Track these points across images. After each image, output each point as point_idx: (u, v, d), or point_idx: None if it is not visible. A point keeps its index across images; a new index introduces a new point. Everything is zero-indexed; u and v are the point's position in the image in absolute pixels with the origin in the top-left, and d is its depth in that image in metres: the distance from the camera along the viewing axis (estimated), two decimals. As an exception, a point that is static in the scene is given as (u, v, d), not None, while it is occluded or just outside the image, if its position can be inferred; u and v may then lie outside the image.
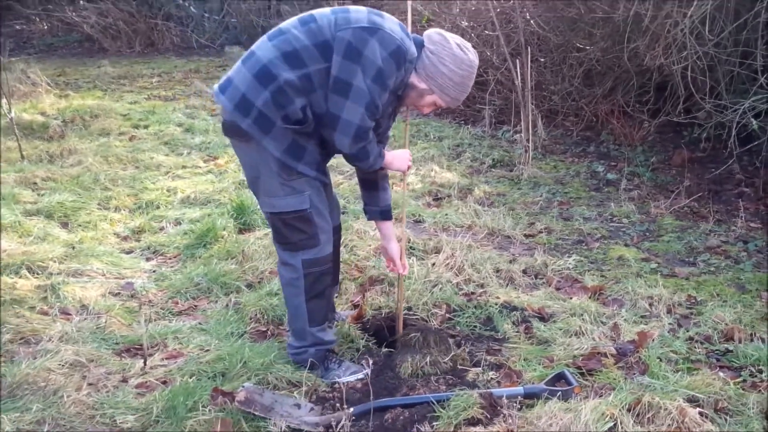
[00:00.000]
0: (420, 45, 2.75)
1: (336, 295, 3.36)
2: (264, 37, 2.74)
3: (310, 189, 2.76)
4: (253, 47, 2.73)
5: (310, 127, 2.69)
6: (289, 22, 2.72)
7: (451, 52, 2.71)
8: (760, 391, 2.87)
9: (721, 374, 2.97)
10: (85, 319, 3.42)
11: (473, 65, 2.76)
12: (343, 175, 5.53)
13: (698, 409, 2.65)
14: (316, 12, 2.72)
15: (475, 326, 3.38)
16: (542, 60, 6.67)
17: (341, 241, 3.33)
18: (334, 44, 2.59)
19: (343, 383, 2.91)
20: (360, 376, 2.97)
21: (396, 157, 2.96)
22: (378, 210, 3.07)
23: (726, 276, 3.95)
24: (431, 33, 2.78)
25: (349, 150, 2.71)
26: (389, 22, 2.68)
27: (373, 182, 3.03)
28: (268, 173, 2.71)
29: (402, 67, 2.66)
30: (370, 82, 2.58)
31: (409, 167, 3.05)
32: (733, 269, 4.05)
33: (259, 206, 3.03)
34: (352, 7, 2.72)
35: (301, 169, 2.72)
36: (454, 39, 2.74)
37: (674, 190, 5.13)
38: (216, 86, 2.78)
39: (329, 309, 3.04)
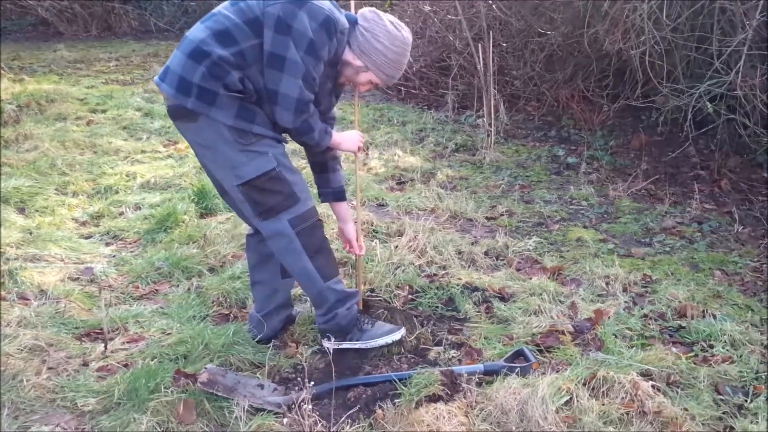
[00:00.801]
0: (354, 23, 2.76)
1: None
2: (197, 23, 2.72)
3: (271, 148, 2.72)
4: (186, 33, 2.72)
5: (252, 98, 2.67)
6: (221, 5, 2.71)
7: (385, 29, 2.73)
8: (710, 365, 2.97)
9: (673, 349, 3.06)
10: (44, 303, 3.38)
11: (407, 42, 2.79)
12: (305, 160, 5.53)
13: (651, 382, 2.74)
14: None
15: (437, 307, 3.43)
16: (504, 45, 6.71)
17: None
18: (264, 20, 2.58)
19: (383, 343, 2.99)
20: (397, 336, 3.01)
21: (345, 137, 2.94)
22: (331, 191, 3.06)
23: (681, 256, 4.06)
24: (364, 11, 2.79)
25: (292, 124, 2.69)
26: None
27: (323, 164, 3.02)
28: (225, 144, 2.67)
29: (333, 37, 2.65)
30: (303, 53, 2.58)
31: (359, 148, 3.02)
32: (688, 249, 4.16)
33: (220, 193, 3.01)
34: None
35: (257, 130, 2.68)
36: (387, 17, 2.77)
37: (632, 173, 5.24)
38: (156, 77, 2.75)
39: (335, 260, 3.00)
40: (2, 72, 7.87)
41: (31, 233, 4.11)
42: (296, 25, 2.57)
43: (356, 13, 2.84)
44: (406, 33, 2.79)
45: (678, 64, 5.16)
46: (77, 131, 6.29)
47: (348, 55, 2.78)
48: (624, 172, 5.37)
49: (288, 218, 2.77)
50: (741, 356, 3.01)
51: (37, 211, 4.52)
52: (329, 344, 2.75)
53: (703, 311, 3.37)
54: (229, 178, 2.75)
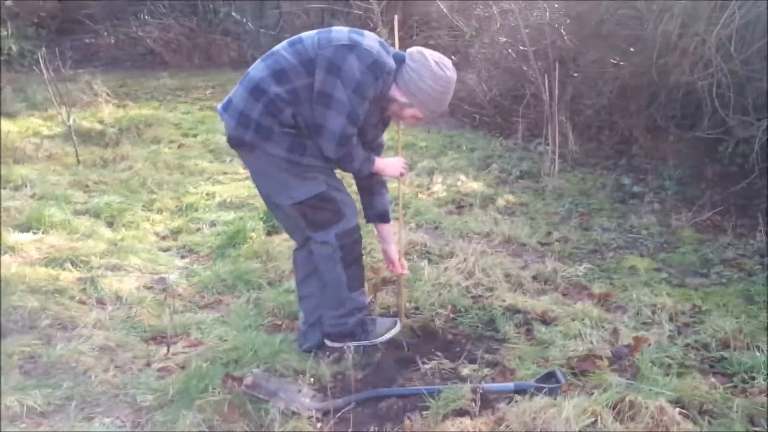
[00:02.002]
0: (401, 60, 2.98)
1: None
2: (258, 60, 3.03)
3: (321, 174, 3.01)
4: (249, 69, 3.03)
5: (303, 132, 2.95)
6: (280, 45, 3.01)
7: (430, 69, 2.93)
8: (747, 396, 2.95)
9: (712, 379, 3.05)
10: (119, 308, 3.73)
11: (451, 81, 2.98)
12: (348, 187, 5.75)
13: (678, 409, 2.75)
14: (303, 34, 3.00)
15: (477, 326, 3.54)
16: (575, 75, 6.75)
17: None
18: (317, 61, 2.85)
19: (380, 344, 3.28)
20: (395, 330, 3.33)
21: (388, 163, 3.18)
22: (375, 213, 3.30)
23: (736, 288, 4.00)
24: (412, 51, 3.00)
25: (335, 155, 2.95)
26: (368, 39, 2.93)
27: (369, 188, 3.27)
28: (279, 171, 2.97)
29: (380, 78, 2.89)
30: (350, 93, 2.83)
31: (402, 174, 3.24)
32: (745, 281, 4.09)
33: (271, 211, 3.31)
34: (335, 28, 2.99)
35: (307, 162, 2.96)
36: (432, 57, 2.96)
37: (698, 204, 5.16)
38: (219, 106, 3.07)
39: (364, 275, 3.31)
40: (107, 98, 8.54)
41: (115, 245, 4.51)
42: (345, 67, 2.83)
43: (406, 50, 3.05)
44: (450, 72, 2.98)
45: (748, 96, 5.07)
46: (169, 153, 6.78)
47: (395, 92, 3.00)
48: (690, 202, 5.30)
49: (335, 232, 3.06)
50: (782, 389, 2.97)
51: (123, 225, 4.94)
52: (331, 344, 3.18)
53: (748, 343, 3.33)
54: (284, 198, 3.06)
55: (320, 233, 3.09)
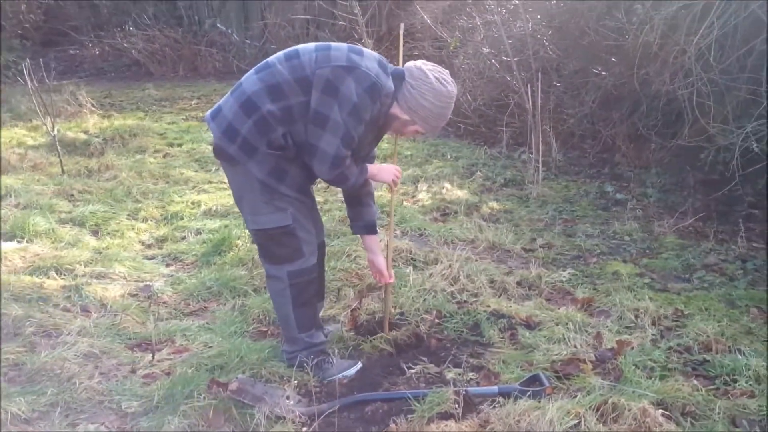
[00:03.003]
0: (401, 77, 2.94)
1: (321, 309, 3.58)
2: (252, 71, 2.98)
3: (291, 207, 2.98)
4: (241, 79, 2.99)
5: (291, 153, 2.92)
6: (275, 57, 2.96)
7: (431, 86, 2.90)
8: (729, 397, 2.99)
9: (694, 382, 3.08)
10: (104, 316, 3.72)
11: (451, 96, 2.96)
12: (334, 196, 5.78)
13: (661, 410, 2.79)
14: (300, 47, 2.95)
15: (462, 331, 3.56)
16: (558, 85, 6.83)
17: (324, 258, 3.55)
18: (314, 80, 2.81)
19: (339, 378, 3.13)
20: (353, 371, 3.20)
21: (381, 169, 3.17)
22: (363, 224, 3.28)
23: (718, 292, 4.05)
24: (411, 67, 2.96)
25: (328, 176, 2.94)
26: (366, 60, 2.88)
27: (357, 198, 3.25)
28: (252, 194, 2.95)
29: (377, 101, 2.86)
30: (346, 115, 2.80)
31: (395, 181, 3.23)
32: (727, 286, 4.14)
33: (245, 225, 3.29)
34: (334, 45, 2.95)
35: (283, 190, 2.94)
36: (432, 72, 2.92)
37: (681, 210, 5.23)
38: (208, 113, 3.05)
39: (316, 316, 3.28)
40: (92, 109, 8.53)
41: (100, 253, 4.50)
42: (343, 89, 2.79)
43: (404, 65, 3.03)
44: (451, 87, 2.96)
45: (728, 104, 5.15)
46: (154, 163, 6.78)
47: (396, 110, 2.97)
48: (673, 209, 5.36)
49: (289, 269, 3.04)
50: (763, 391, 3.01)
51: (108, 233, 4.94)
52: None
53: (730, 346, 3.37)
54: (249, 221, 3.07)
55: (274, 267, 3.07)
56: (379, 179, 3.19)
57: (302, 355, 3.16)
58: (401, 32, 3.41)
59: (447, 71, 3.00)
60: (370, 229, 3.29)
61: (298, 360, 3.16)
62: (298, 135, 2.89)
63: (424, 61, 3.02)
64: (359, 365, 3.24)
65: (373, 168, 3.13)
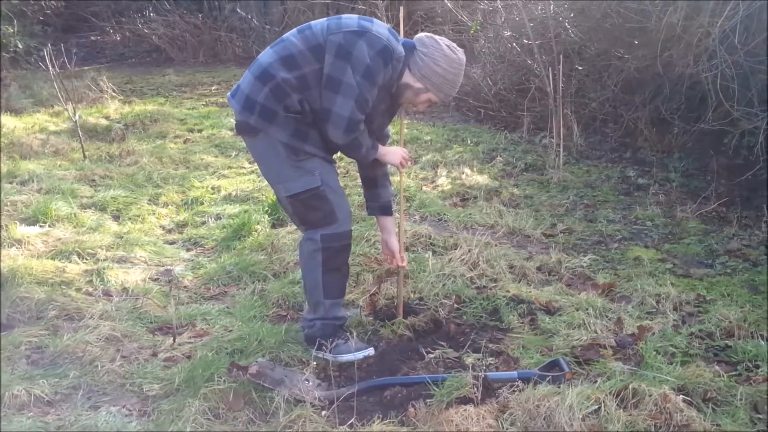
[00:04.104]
0: (412, 47, 2.99)
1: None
2: (267, 48, 3.04)
3: (319, 168, 3.00)
4: (258, 56, 3.03)
5: (309, 118, 2.95)
6: (290, 32, 3.02)
7: (443, 53, 2.95)
8: (751, 383, 2.95)
9: (716, 367, 3.05)
10: (125, 300, 3.75)
11: (462, 63, 3.02)
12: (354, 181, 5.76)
13: (682, 396, 2.76)
14: (312, 22, 3.01)
15: (482, 316, 3.55)
16: (580, 68, 6.75)
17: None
18: (326, 47, 2.87)
19: (353, 360, 3.12)
20: (366, 354, 3.19)
21: (389, 151, 3.18)
22: (378, 206, 3.31)
23: (741, 278, 4.00)
24: (422, 36, 3.03)
25: (342, 140, 2.95)
26: (377, 26, 2.94)
27: (373, 179, 3.27)
28: (278, 159, 2.97)
29: (389, 65, 2.90)
30: (360, 78, 2.84)
31: (402, 163, 3.23)
32: (750, 271, 4.09)
33: (278, 202, 3.29)
34: (345, 15, 3.01)
35: (308, 149, 2.96)
36: (443, 41, 2.99)
37: (703, 196, 5.16)
38: (228, 93, 3.10)
39: (344, 286, 3.25)
40: (113, 94, 8.58)
41: (121, 237, 4.54)
42: (356, 52, 2.84)
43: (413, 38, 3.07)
44: (461, 54, 3.02)
45: (753, 87, 5.06)
46: (174, 148, 6.82)
47: (408, 78, 3.01)
48: (696, 194, 5.29)
49: (323, 233, 3.04)
50: (786, 377, 2.97)
51: (129, 218, 4.98)
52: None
53: (752, 332, 3.33)
54: (279, 190, 3.07)
55: (309, 230, 3.08)
56: (388, 161, 3.20)
57: (317, 326, 3.16)
58: (401, 15, 3.40)
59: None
60: (386, 210, 3.31)
61: (313, 333, 3.16)
62: (314, 101, 2.92)
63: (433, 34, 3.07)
64: (370, 351, 3.21)
65: (382, 149, 3.14)
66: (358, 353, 3.18)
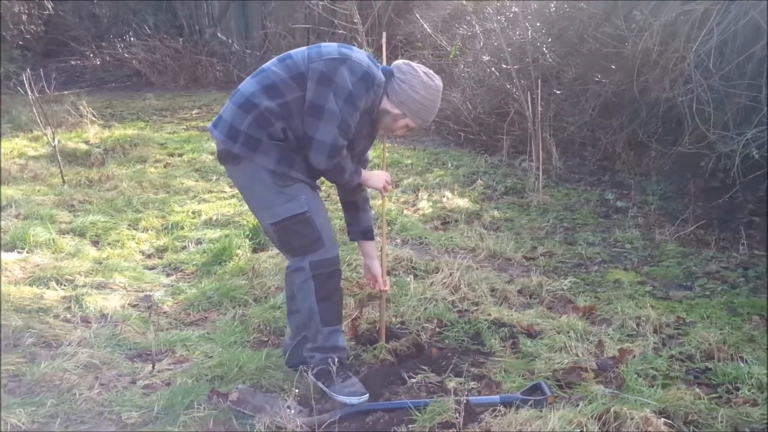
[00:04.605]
0: (390, 74, 3.02)
1: None
2: (248, 78, 3.05)
3: (305, 193, 2.99)
4: (239, 86, 3.04)
5: (293, 145, 2.96)
6: (270, 62, 3.04)
7: (420, 80, 2.98)
8: (731, 406, 2.97)
9: (697, 390, 3.07)
10: (104, 326, 3.71)
11: (439, 89, 3.05)
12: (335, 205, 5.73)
13: (663, 419, 2.77)
14: (292, 51, 3.03)
15: (463, 340, 3.55)
16: (558, 92, 6.84)
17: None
18: (309, 74, 2.89)
19: (340, 400, 3.00)
20: (356, 401, 3.01)
21: (372, 175, 3.19)
22: (360, 230, 3.30)
23: (720, 300, 4.04)
24: (399, 63, 3.06)
25: (325, 166, 2.96)
26: (357, 53, 2.97)
27: (354, 204, 3.27)
28: (262, 186, 2.95)
29: (371, 90, 2.93)
30: (342, 103, 2.86)
31: (386, 187, 3.23)
32: (729, 294, 4.13)
33: (262, 230, 3.28)
34: (324, 44, 3.04)
35: (294, 174, 2.96)
36: (420, 68, 3.03)
37: (682, 218, 5.22)
38: (210, 124, 3.09)
39: (341, 312, 3.20)
40: (93, 119, 8.54)
41: (100, 263, 4.50)
42: (337, 78, 2.87)
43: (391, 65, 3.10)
44: (438, 81, 3.06)
45: (728, 111, 5.15)
46: (154, 173, 6.78)
47: (386, 104, 3.04)
48: (673, 216, 5.35)
49: (311, 260, 3.00)
50: (766, 399, 3.00)
51: (108, 244, 4.93)
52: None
53: (732, 354, 3.36)
54: (264, 217, 3.05)
55: (296, 258, 3.04)
56: (371, 185, 3.20)
57: (317, 358, 3.08)
58: (384, 40, 3.44)
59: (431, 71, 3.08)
60: (367, 234, 3.31)
61: (312, 364, 3.08)
62: (297, 129, 2.93)
63: (410, 61, 3.11)
64: (366, 397, 3.04)
65: (365, 174, 3.16)
66: (353, 398, 3.02)
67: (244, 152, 2.92)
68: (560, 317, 3.78)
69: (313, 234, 3.00)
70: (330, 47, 2.98)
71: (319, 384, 3.06)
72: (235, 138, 2.93)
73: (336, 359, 3.07)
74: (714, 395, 3.06)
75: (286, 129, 2.92)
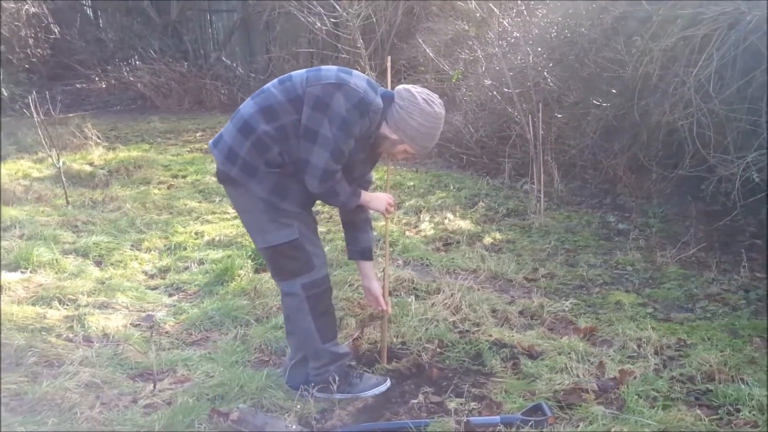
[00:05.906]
0: (390, 99, 3.05)
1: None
2: (249, 98, 3.11)
3: (296, 221, 3.05)
4: (240, 107, 3.10)
5: (290, 170, 3.00)
6: (270, 83, 3.09)
7: (419, 106, 3.00)
8: (732, 427, 2.97)
9: (697, 411, 3.07)
10: (106, 346, 3.73)
11: (439, 116, 3.05)
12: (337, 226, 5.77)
13: (664, 441, 2.77)
14: (293, 72, 3.08)
15: (464, 361, 3.56)
16: (559, 116, 6.89)
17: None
18: (305, 98, 2.93)
19: (377, 394, 3.24)
20: (383, 388, 3.26)
21: (374, 197, 3.23)
22: (359, 250, 3.33)
23: (721, 322, 4.04)
24: (400, 89, 3.09)
25: (318, 189, 3.00)
26: (355, 78, 3.00)
27: (354, 224, 3.31)
28: (257, 213, 3.03)
29: (366, 117, 2.95)
30: (336, 130, 2.90)
31: (388, 209, 3.26)
32: (730, 316, 4.13)
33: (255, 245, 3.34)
34: (324, 67, 3.08)
35: (285, 207, 3.02)
36: (420, 94, 3.03)
37: (683, 241, 5.23)
38: (210, 142, 3.16)
39: (336, 326, 3.33)
40: (97, 141, 8.60)
41: (103, 283, 4.52)
42: (333, 104, 2.90)
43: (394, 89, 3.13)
44: (438, 108, 3.05)
45: (728, 135, 5.18)
46: (158, 194, 6.83)
47: (385, 130, 3.07)
48: (675, 239, 5.36)
49: (302, 282, 3.09)
50: (766, 421, 2.99)
51: (111, 264, 4.95)
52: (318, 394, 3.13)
53: (733, 376, 3.35)
54: (258, 240, 3.12)
55: (287, 282, 3.12)
56: (373, 207, 3.24)
57: (331, 368, 3.21)
58: (389, 64, 3.49)
59: (437, 95, 3.10)
60: (366, 254, 3.34)
61: (327, 378, 3.18)
62: (293, 152, 2.98)
63: (414, 85, 3.13)
64: (388, 383, 3.31)
65: (366, 195, 3.19)
66: (381, 387, 3.27)
67: (241, 177, 2.99)
68: (561, 338, 3.78)
69: (303, 257, 3.08)
70: (329, 71, 3.01)
71: (345, 395, 3.21)
72: (234, 162, 2.99)
73: (347, 364, 3.27)
74: (715, 417, 3.06)
75: (283, 153, 2.97)
